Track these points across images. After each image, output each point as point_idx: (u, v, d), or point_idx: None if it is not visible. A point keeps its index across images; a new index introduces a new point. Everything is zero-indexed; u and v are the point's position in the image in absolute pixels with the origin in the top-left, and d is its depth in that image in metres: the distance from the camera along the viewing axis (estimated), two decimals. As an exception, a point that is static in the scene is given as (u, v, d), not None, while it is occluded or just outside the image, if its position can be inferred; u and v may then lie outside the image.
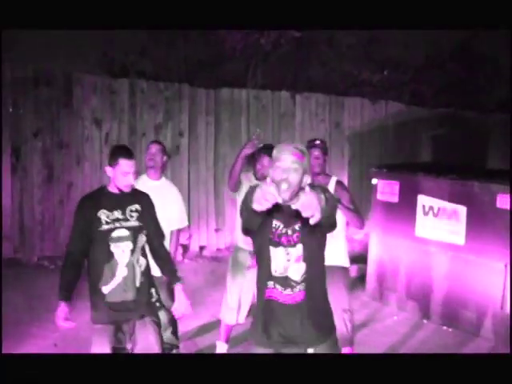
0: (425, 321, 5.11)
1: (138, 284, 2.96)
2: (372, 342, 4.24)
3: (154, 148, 3.96)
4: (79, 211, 2.94)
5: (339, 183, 3.86)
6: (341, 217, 3.64)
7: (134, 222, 2.93)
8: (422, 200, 5.12)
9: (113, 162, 2.93)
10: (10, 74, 6.03)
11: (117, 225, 2.89)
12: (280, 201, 2.06)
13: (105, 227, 2.88)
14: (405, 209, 5.24)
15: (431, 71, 9.11)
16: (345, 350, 3.67)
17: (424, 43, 8.68)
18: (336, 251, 3.69)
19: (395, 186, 5.28)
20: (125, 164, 2.90)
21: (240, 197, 3.87)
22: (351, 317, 3.78)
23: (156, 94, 6.80)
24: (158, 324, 3.05)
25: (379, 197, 5.44)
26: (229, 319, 3.89)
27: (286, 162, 2.27)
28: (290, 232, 2.35)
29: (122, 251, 2.89)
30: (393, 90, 8.63)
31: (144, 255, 3.01)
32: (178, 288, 3.04)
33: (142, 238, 2.98)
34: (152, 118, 6.80)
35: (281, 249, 2.36)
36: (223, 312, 3.93)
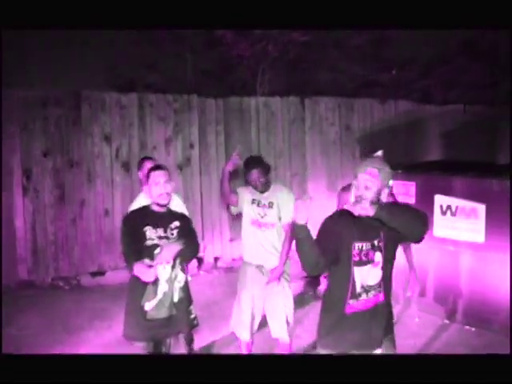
0: (447, 321, 5.06)
1: (176, 299, 3.03)
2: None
3: (150, 164, 4.02)
4: (127, 225, 3.04)
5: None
6: None
7: (173, 239, 3.04)
8: (440, 199, 5.07)
9: (145, 179, 3.12)
10: (18, 94, 6.08)
11: (160, 242, 2.98)
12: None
13: (149, 243, 2.97)
14: (422, 209, 5.16)
15: (439, 68, 9.04)
16: None
17: (431, 40, 8.63)
18: None
19: (411, 186, 5.24)
20: (154, 175, 3.06)
21: (245, 210, 3.90)
22: None
23: (165, 107, 6.83)
24: (191, 341, 3.21)
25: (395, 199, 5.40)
26: (245, 336, 3.87)
27: (360, 181, 2.55)
28: (370, 246, 2.56)
29: (163, 267, 2.96)
30: (402, 88, 8.61)
31: (183, 270, 3.09)
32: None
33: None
34: (162, 131, 6.82)
35: (368, 266, 2.56)
36: (238, 330, 3.90)
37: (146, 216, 3.05)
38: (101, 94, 6.52)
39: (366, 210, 2.47)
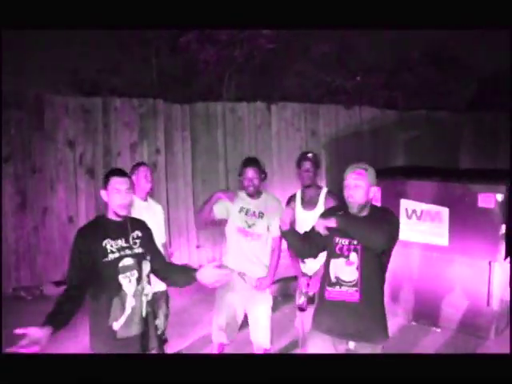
0: (414, 323, 5.18)
1: (144, 314, 2.84)
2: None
3: (144, 169, 3.96)
4: (80, 242, 2.74)
5: (329, 193, 3.91)
6: None
7: (137, 249, 2.83)
8: (405, 204, 5.19)
9: (105, 183, 2.82)
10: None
11: (122, 253, 2.77)
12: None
13: (111, 257, 2.73)
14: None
15: (402, 74, 9.27)
16: None
17: (394, 47, 8.84)
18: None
19: (377, 191, 5.31)
20: (116, 181, 2.77)
21: (231, 217, 3.80)
22: None
23: (130, 112, 6.75)
24: None
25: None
26: (217, 338, 3.85)
27: (350, 181, 2.84)
28: (348, 243, 2.86)
29: (128, 281, 2.77)
30: (366, 95, 8.76)
31: (149, 283, 2.90)
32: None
33: (147, 266, 2.87)
34: (127, 136, 6.73)
35: (340, 260, 2.87)
36: (214, 334, 3.87)
37: (102, 229, 2.77)
38: (64, 98, 6.37)
39: (328, 222, 2.82)
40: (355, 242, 2.83)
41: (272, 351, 3.97)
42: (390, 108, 9.00)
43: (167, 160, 7.04)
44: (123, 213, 2.79)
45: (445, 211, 4.93)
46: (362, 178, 2.82)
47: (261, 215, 3.78)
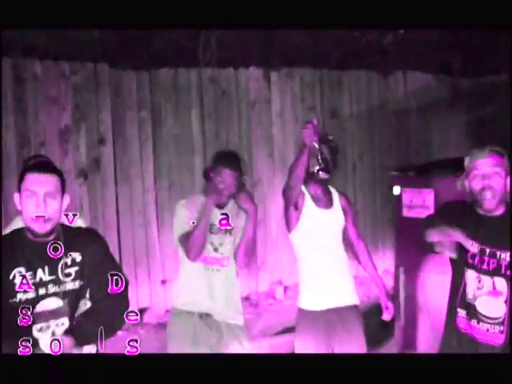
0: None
1: None
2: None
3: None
4: None
5: (340, 192, 4.10)
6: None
7: (71, 284, 2.61)
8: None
9: (19, 182, 2.58)
10: None
11: (41, 292, 2.56)
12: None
13: (22, 297, 2.51)
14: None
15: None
16: None
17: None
18: (343, 287, 3.87)
19: (429, 195, 5.12)
20: (31, 180, 2.52)
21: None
22: None
23: (58, 81, 6.49)
24: None
25: (406, 212, 5.36)
26: None
27: (486, 168, 2.93)
28: (478, 248, 2.97)
29: (51, 334, 2.55)
30: (413, 56, 8.49)
31: None
32: None
33: (86, 306, 2.69)
34: (54, 118, 6.49)
35: (472, 272, 3.02)
36: None
37: (15, 251, 2.56)
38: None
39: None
40: (501, 257, 2.92)
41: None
42: (449, 74, 8.76)
43: (116, 154, 6.85)
44: (40, 230, 2.53)
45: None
46: (501, 164, 2.95)
47: (228, 230, 3.80)
